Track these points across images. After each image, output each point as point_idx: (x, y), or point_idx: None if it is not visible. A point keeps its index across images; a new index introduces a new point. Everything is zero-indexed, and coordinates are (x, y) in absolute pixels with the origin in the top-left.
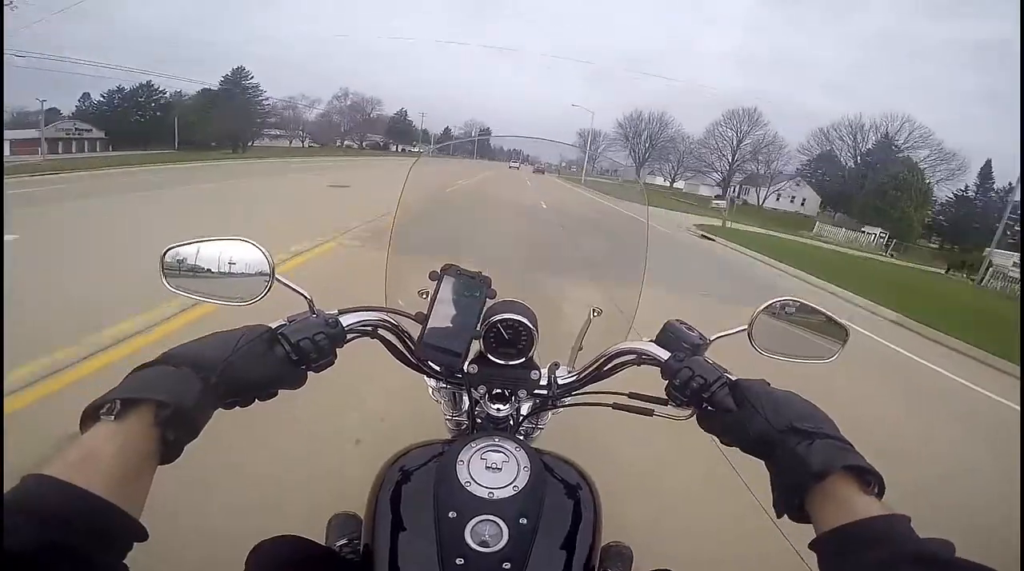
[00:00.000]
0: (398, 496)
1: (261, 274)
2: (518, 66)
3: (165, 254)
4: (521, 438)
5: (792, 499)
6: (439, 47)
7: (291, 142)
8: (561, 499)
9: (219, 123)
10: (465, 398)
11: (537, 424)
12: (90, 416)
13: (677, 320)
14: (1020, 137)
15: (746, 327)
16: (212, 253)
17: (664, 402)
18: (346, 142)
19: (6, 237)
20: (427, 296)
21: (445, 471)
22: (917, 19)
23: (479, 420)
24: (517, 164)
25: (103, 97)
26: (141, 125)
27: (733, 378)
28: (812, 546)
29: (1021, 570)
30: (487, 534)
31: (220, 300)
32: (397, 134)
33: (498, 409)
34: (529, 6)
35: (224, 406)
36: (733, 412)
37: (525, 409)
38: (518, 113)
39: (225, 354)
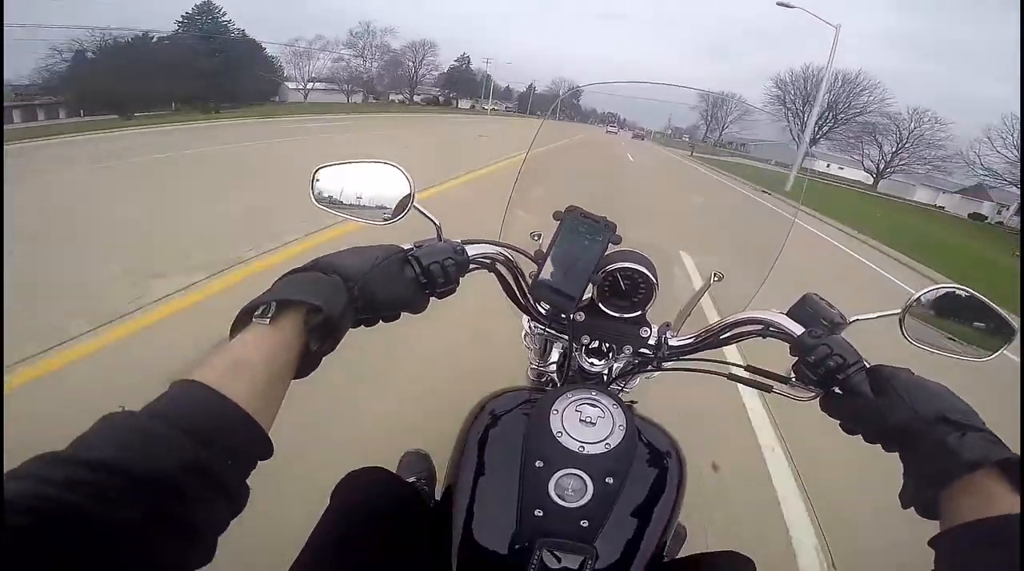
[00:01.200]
0: (485, 439)
1: (401, 197)
2: (616, 29)
3: (316, 173)
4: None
5: (929, 491)
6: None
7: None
8: (650, 466)
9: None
10: (555, 349)
11: (625, 385)
12: (242, 320)
13: (816, 294)
14: (1020, 137)
15: (897, 312)
16: (357, 174)
17: (786, 380)
18: (396, 97)
19: None
20: (538, 238)
21: (538, 419)
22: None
23: (570, 372)
24: (615, 128)
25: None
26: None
27: (871, 364)
28: (933, 543)
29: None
30: (570, 488)
31: (361, 218)
32: (459, 85)
33: (592, 363)
34: None
35: (354, 324)
36: (868, 398)
37: (619, 366)
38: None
39: (365, 268)
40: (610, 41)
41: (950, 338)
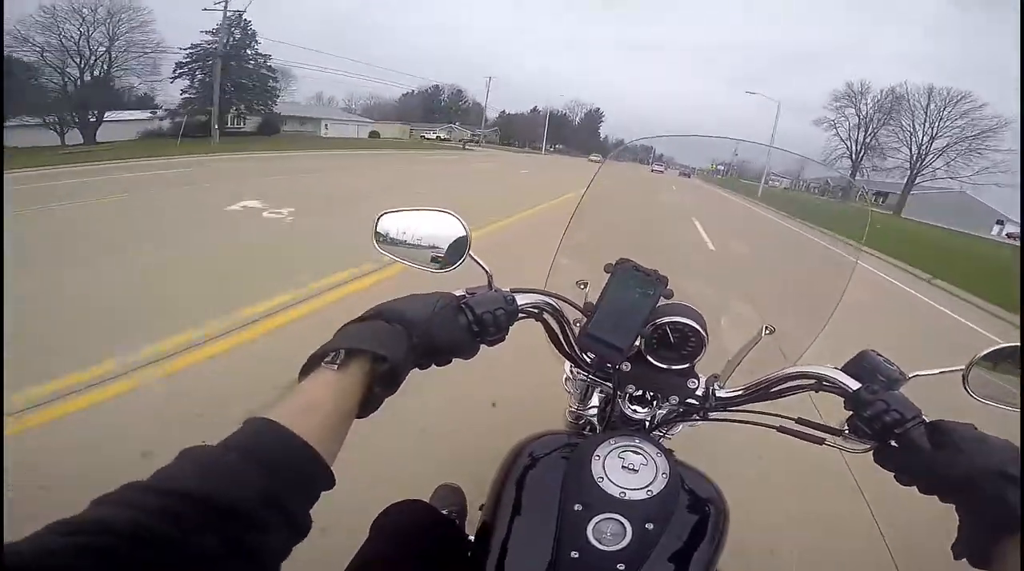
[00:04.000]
0: (523, 479)
1: (456, 244)
2: (654, 60)
3: (379, 219)
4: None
5: (983, 543)
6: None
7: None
8: (691, 513)
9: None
10: (596, 394)
11: (667, 432)
12: (312, 365)
13: (873, 350)
14: (1020, 135)
15: (961, 368)
16: (418, 221)
17: (839, 432)
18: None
19: None
20: (584, 286)
21: (579, 463)
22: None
23: (612, 418)
24: (662, 167)
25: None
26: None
27: (930, 419)
28: None
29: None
30: (609, 532)
31: (420, 266)
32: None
33: (635, 411)
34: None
35: (416, 366)
36: (926, 451)
37: (661, 415)
38: (654, 110)
39: (425, 316)
40: (638, 70)
41: (1017, 395)
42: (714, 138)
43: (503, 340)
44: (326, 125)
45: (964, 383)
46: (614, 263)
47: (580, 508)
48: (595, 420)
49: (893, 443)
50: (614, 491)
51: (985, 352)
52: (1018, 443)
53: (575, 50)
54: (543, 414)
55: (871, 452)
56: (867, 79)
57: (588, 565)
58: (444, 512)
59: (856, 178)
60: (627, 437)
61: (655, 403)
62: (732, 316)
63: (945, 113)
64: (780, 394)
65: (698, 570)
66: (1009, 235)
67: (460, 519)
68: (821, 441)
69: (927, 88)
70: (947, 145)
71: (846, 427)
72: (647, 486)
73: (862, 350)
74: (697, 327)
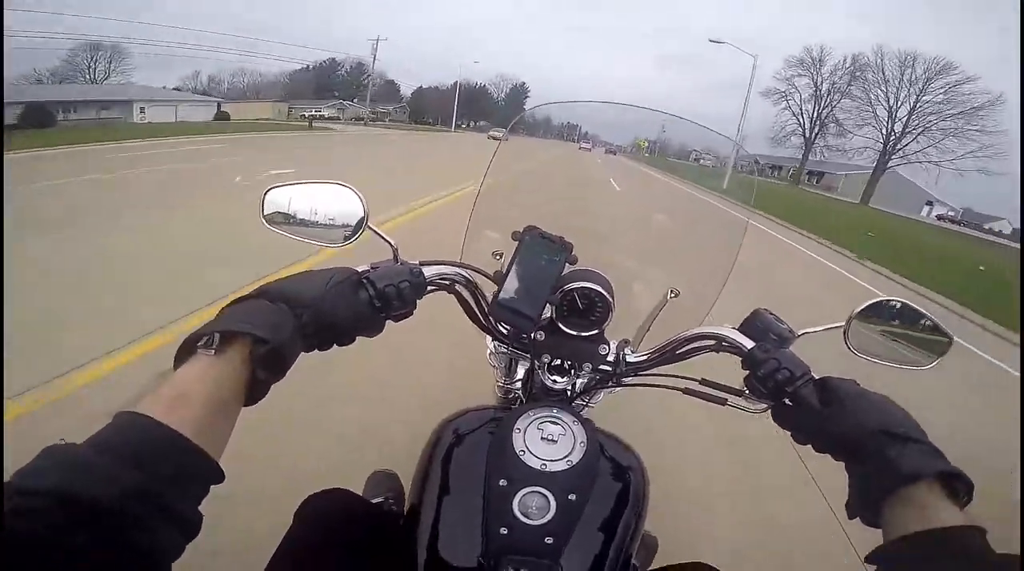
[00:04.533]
0: (449, 458)
1: (355, 219)
2: (579, 39)
3: (266, 194)
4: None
5: (871, 502)
6: None
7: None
8: (612, 480)
9: None
10: (520, 366)
11: (589, 401)
12: (186, 350)
13: (765, 309)
14: (1020, 134)
15: (841, 324)
16: (310, 195)
17: (739, 392)
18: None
19: None
20: (500, 257)
21: (501, 438)
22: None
23: (534, 390)
24: (588, 144)
25: None
26: None
27: (818, 376)
28: (870, 559)
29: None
30: (534, 506)
31: (314, 241)
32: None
33: (555, 381)
34: None
35: (306, 348)
36: (817, 409)
37: (582, 383)
38: (588, 91)
39: (316, 293)
40: (577, 52)
41: (893, 348)
42: (622, 105)
43: (410, 314)
44: (141, 109)
45: (845, 338)
46: (521, 231)
47: (505, 483)
48: (521, 393)
49: (787, 402)
50: (535, 464)
51: (861, 307)
52: (895, 397)
53: (506, 27)
54: (479, 390)
55: (769, 412)
56: (827, 45)
57: (517, 540)
58: (381, 499)
59: (816, 159)
60: (545, 408)
61: (573, 372)
62: (640, 281)
63: (923, 86)
64: (685, 356)
65: (624, 535)
66: (939, 217)
67: (398, 505)
68: (723, 401)
69: (905, 55)
70: (925, 124)
71: (745, 387)
72: (567, 456)
73: (755, 309)
74: (603, 292)
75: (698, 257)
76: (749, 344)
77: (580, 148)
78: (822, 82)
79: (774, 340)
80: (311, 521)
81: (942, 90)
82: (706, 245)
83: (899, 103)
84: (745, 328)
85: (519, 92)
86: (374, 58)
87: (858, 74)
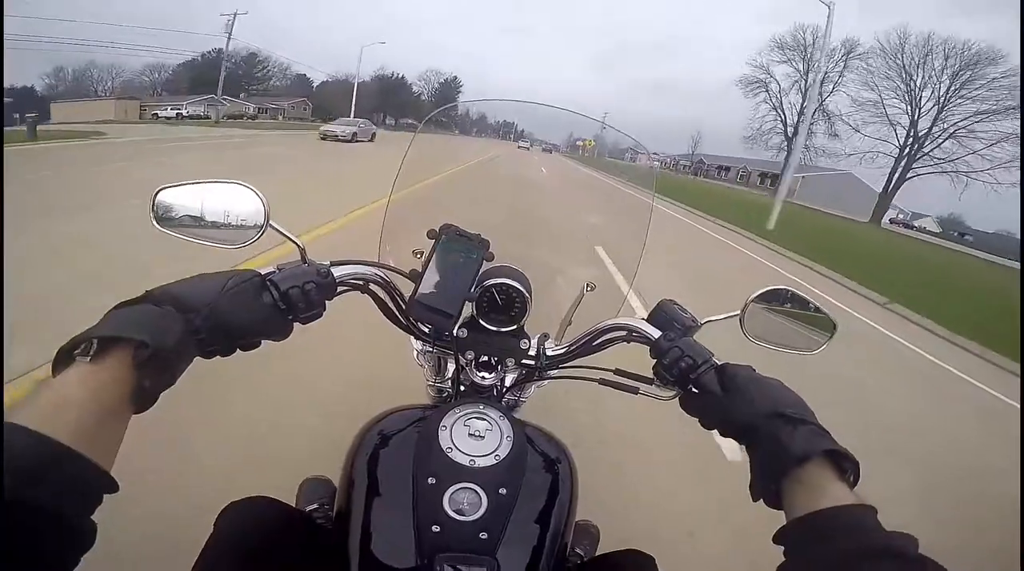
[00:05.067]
0: (375, 460)
1: (256, 219)
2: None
3: (156, 194)
4: (505, 408)
5: (770, 484)
6: None
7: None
8: (541, 472)
9: None
10: (450, 364)
11: (521, 395)
12: (64, 357)
13: (670, 300)
14: (1020, 131)
15: (738, 313)
16: (206, 195)
17: (651, 381)
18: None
19: None
20: (421, 256)
21: (426, 436)
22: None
23: (463, 387)
24: (527, 144)
25: None
26: None
27: (720, 362)
28: (776, 539)
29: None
30: (465, 502)
31: (212, 243)
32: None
33: (483, 377)
34: None
35: (204, 354)
36: (718, 395)
37: (510, 379)
38: (524, 92)
39: (211, 297)
40: (514, 53)
41: (786, 334)
42: (545, 106)
43: (320, 316)
44: None
45: (741, 326)
46: (438, 229)
47: (433, 481)
48: (452, 391)
49: (693, 389)
50: (463, 460)
51: (755, 295)
52: (787, 380)
53: (442, 26)
54: (413, 390)
55: (678, 399)
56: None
57: (451, 538)
58: (316, 505)
59: (803, 162)
60: (471, 404)
61: (499, 368)
62: (560, 275)
63: (958, 76)
64: (601, 347)
65: (558, 525)
66: (892, 221)
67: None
68: (635, 391)
69: (927, 37)
70: (959, 125)
71: (655, 377)
72: (494, 451)
73: (661, 300)
74: (520, 288)
75: (615, 250)
76: (656, 334)
77: (519, 147)
78: (808, 70)
79: (679, 329)
80: (232, 530)
81: (984, 84)
82: (621, 237)
83: (925, 98)
84: (652, 318)
85: (450, 87)
86: (228, 37)
87: (859, 59)
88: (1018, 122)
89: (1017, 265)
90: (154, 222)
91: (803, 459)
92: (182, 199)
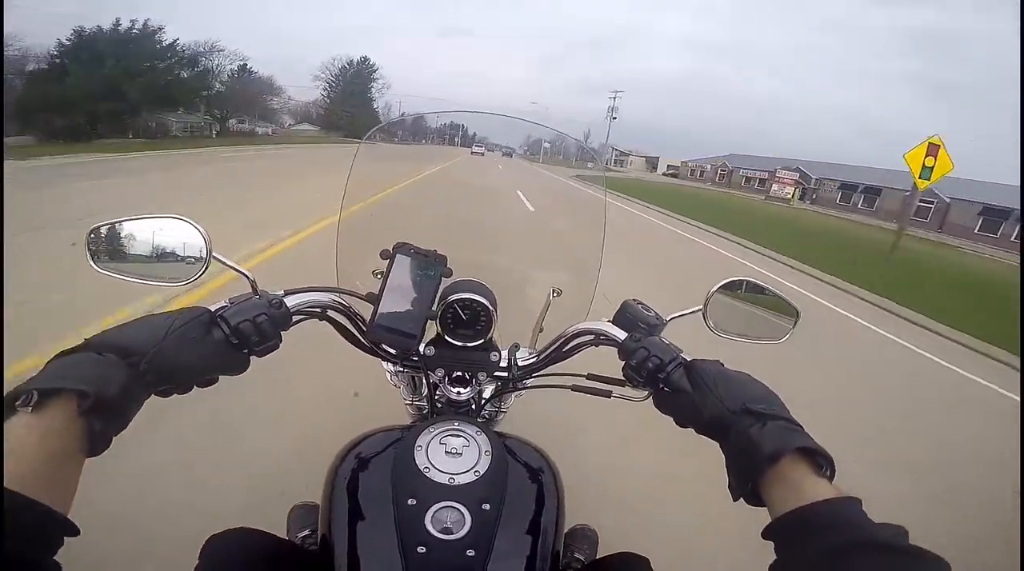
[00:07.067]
0: (355, 484)
1: (198, 252)
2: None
3: (90, 234)
4: (483, 422)
5: (746, 482)
6: None
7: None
8: (524, 483)
9: None
10: (424, 382)
11: (500, 407)
12: (7, 408)
13: (634, 300)
14: (1020, 135)
15: (701, 307)
16: (144, 232)
17: (622, 383)
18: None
19: None
20: (381, 276)
21: (402, 457)
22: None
23: (439, 404)
24: (481, 149)
25: None
26: None
27: (688, 359)
28: (765, 535)
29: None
30: (449, 521)
31: (157, 282)
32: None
33: (458, 392)
34: None
35: (158, 393)
36: (688, 393)
37: (487, 392)
38: (467, 96)
39: (156, 339)
40: (459, 55)
41: (749, 325)
42: (485, 114)
43: (276, 347)
44: None
45: (704, 320)
46: (391, 249)
47: (414, 502)
48: (428, 409)
49: (664, 388)
50: (442, 479)
51: (716, 288)
52: (753, 373)
53: (379, 32)
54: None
55: (651, 399)
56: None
57: (437, 558)
58: (307, 533)
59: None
60: (446, 422)
61: (474, 382)
62: (527, 284)
63: None
64: (571, 353)
65: (547, 535)
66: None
67: None
68: (608, 394)
69: None
70: None
71: (626, 378)
72: (473, 467)
73: (625, 300)
74: (484, 301)
75: (576, 252)
76: (622, 335)
77: (472, 153)
78: None
79: (644, 329)
80: (217, 563)
81: None
82: (580, 240)
83: None
84: (617, 320)
85: (360, 74)
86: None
87: None
88: None
89: None
90: (91, 262)
91: (775, 457)
92: (118, 236)
